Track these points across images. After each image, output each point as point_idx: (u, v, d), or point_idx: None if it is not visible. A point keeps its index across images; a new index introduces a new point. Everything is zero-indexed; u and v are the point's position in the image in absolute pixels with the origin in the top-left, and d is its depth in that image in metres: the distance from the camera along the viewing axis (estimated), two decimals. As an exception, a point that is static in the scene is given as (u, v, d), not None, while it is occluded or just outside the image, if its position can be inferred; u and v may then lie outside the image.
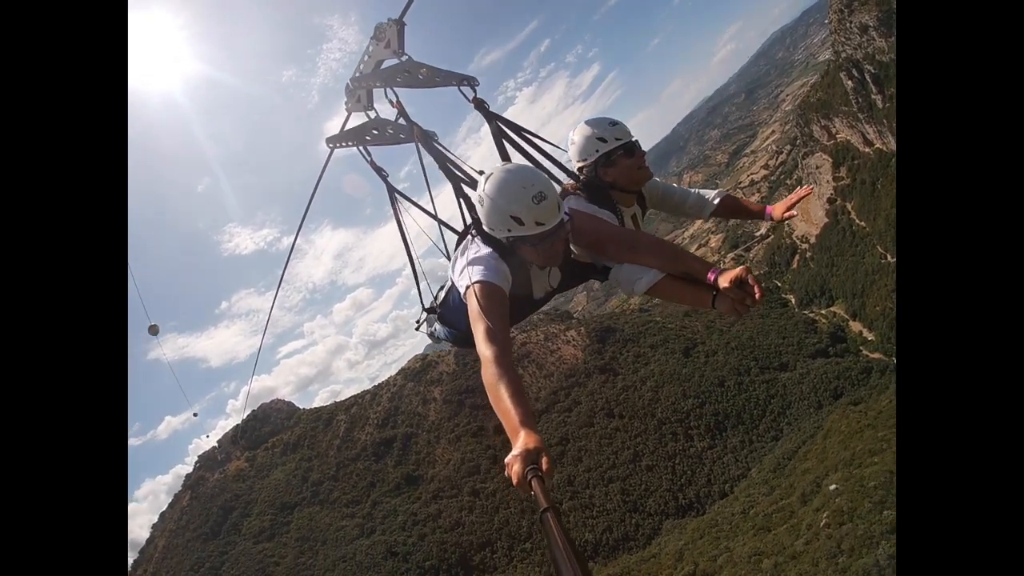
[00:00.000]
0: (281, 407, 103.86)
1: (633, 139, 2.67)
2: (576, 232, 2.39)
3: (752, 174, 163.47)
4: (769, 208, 2.99)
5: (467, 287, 2.08)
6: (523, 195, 2.08)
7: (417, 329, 3.30)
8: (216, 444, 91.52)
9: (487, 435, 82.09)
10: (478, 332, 1.92)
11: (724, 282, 1.99)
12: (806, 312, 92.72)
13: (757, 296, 1.96)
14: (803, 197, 3.01)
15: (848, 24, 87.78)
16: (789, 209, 2.89)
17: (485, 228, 2.21)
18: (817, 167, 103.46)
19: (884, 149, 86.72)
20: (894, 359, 73.24)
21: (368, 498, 78.96)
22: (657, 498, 67.44)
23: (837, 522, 35.16)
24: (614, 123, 2.67)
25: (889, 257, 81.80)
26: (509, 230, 2.13)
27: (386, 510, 76.32)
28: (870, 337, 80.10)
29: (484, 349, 1.85)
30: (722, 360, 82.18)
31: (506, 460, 1.46)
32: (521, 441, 1.48)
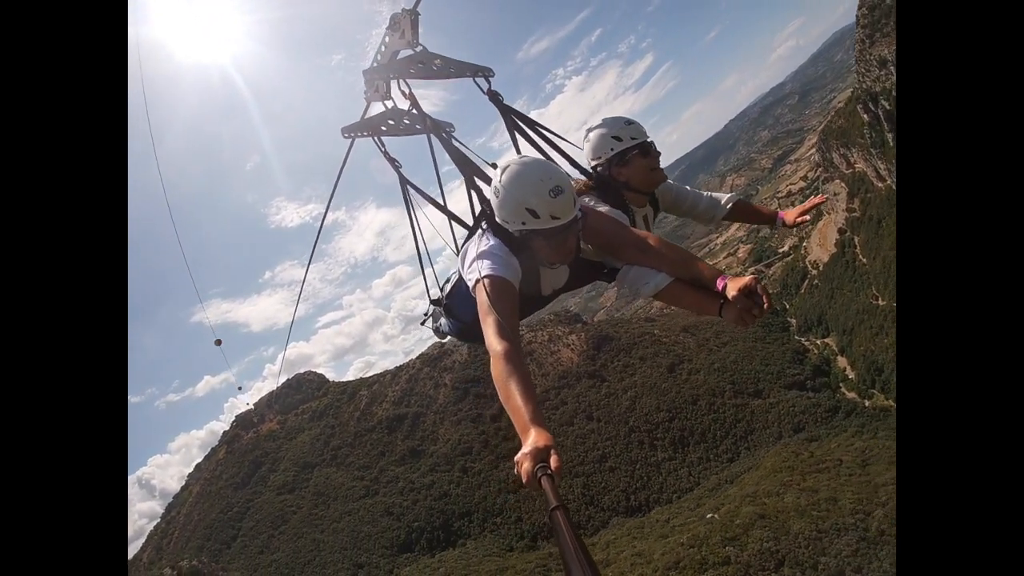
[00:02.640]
0: (313, 378, 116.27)
1: (648, 139, 2.68)
2: (588, 230, 2.35)
3: (791, 184, 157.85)
4: (781, 213, 3.00)
5: (477, 281, 2.05)
6: (540, 188, 2.06)
7: (423, 324, 3.35)
8: (252, 406, 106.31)
9: (484, 422, 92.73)
10: (488, 327, 1.90)
11: (732, 290, 1.94)
12: (802, 339, 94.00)
13: (765, 307, 1.94)
14: (816, 204, 2.98)
15: (868, 56, 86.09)
16: (801, 215, 2.87)
17: (498, 220, 2.18)
18: (835, 194, 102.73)
19: (893, 188, 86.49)
20: (866, 401, 75.29)
21: (377, 465, 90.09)
22: (612, 497, 74.80)
23: (689, 544, 41.16)
24: (630, 122, 2.69)
25: (880, 300, 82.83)
26: (523, 223, 2.11)
27: (390, 476, 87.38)
28: (851, 376, 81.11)
29: (494, 344, 1.83)
30: (702, 379, 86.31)
31: (516, 458, 1.44)
32: (531, 439, 1.46)
